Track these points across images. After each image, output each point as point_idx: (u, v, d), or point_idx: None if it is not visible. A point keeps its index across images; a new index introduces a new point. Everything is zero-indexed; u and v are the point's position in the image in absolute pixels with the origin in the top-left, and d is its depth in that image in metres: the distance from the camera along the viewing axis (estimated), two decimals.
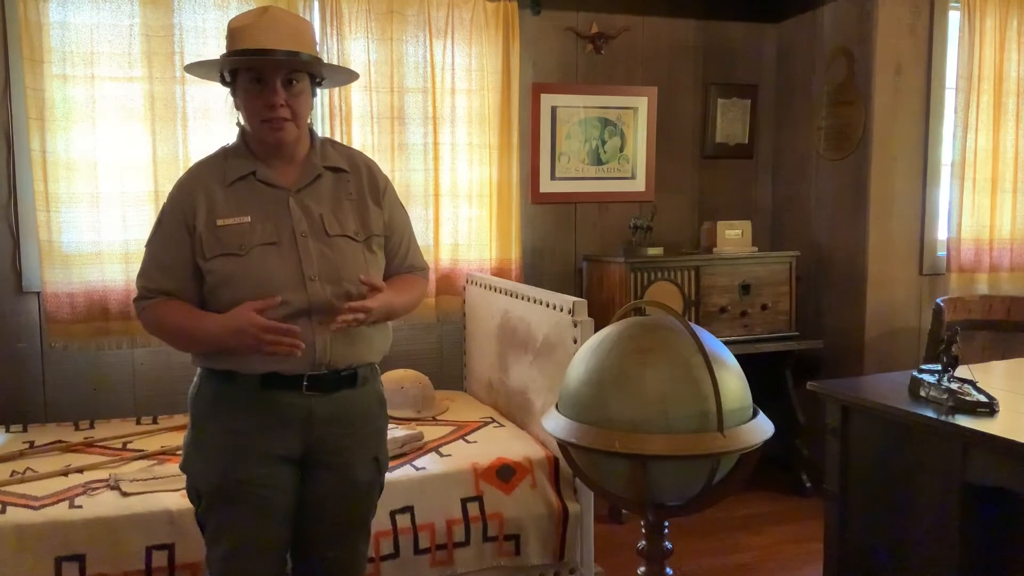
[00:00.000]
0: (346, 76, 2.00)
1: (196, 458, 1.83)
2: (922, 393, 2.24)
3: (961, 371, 2.29)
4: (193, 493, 1.85)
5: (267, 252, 1.75)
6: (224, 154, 1.86)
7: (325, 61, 1.89)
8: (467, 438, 2.93)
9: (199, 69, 1.87)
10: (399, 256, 1.97)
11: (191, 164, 3.28)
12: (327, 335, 1.77)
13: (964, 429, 2.01)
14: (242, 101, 1.79)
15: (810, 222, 4.08)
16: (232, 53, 1.76)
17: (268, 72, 1.73)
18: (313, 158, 1.86)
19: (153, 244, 1.83)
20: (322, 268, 1.77)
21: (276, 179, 1.82)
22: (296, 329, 1.69)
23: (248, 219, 1.77)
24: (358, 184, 1.91)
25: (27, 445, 2.83)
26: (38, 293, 3.23)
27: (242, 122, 1.85)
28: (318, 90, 1.90)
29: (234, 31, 1.77)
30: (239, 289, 1.73)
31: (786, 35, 4.23)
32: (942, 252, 3.91)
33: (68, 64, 3.12)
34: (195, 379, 1.87)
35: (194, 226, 1.77)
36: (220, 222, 1.76)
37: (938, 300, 3.61)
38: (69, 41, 3.11)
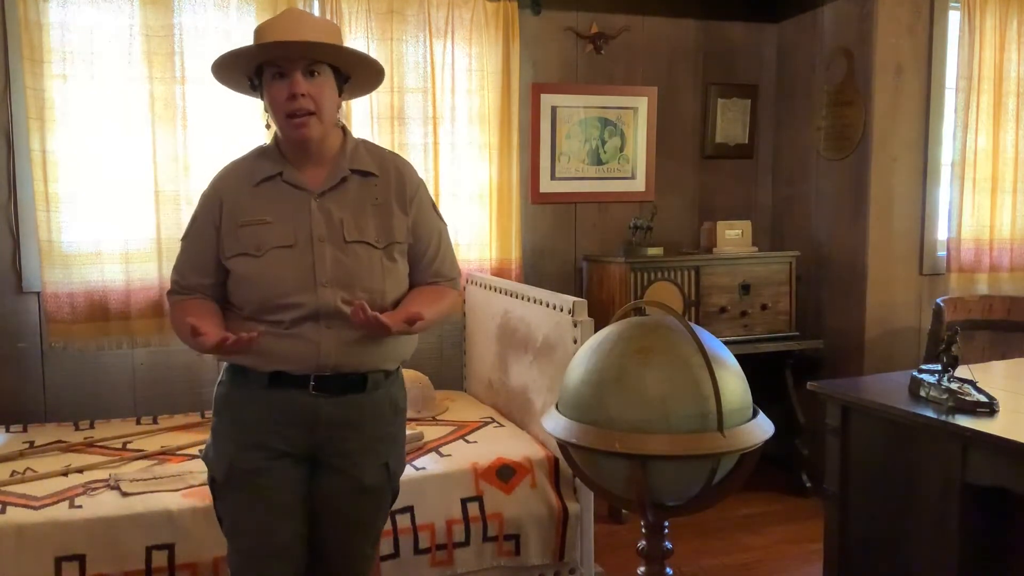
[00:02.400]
0: (368, 68, 1.89)
1: (212, 448, 1.88)
2: (922, 393, 2.24)
3: (961, 371, 2.29)
4: (212, 483, 1.88)
5: (281, 255, 1.77)
6: (256, 154, 1.89)
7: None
8: (467, 438, 2.93)
9: (227, 77, 1.85)
10: (424, 263, 1.92)
11: (191, 164, 3.29)
12: (332, 340, 1.77)
13: (964, 429, 2.01)
14: (268, 100, 1.79)
15: (810, 222, 4.08)
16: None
17: (288, 64, 1.74)
18: (341, 160, 1.85)
19: (187, 240, 1.88)
20: (335, 274, 1.77)
21: (302, 181, 1.82)
22: (250, 335, 1.67)
23: (268, 220, 1.79)
24: (385, 189, 1.87)
25: (27, 445, 2.83)
26: (38, 293, 3.23)
27: (272, 125, 1.84)
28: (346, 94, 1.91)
29: (257, 31, 1.79)
30: (252, 289, 1.78)
31: (786, 35, 4.23)
32: (942, 252, 3.91)
33: (68, 64, 3.11)
34: (220, 372, 1.92)
35: (220, 225, 1.81)
36: (242, 222, 1.80)
37: (938, 300, 3.61)
38: (69, 41, 3.11)
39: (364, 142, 1.94)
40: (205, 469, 1.89)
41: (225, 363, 1.89)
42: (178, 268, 1.89)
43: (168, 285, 1.93)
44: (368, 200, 1.85)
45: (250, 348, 1.69)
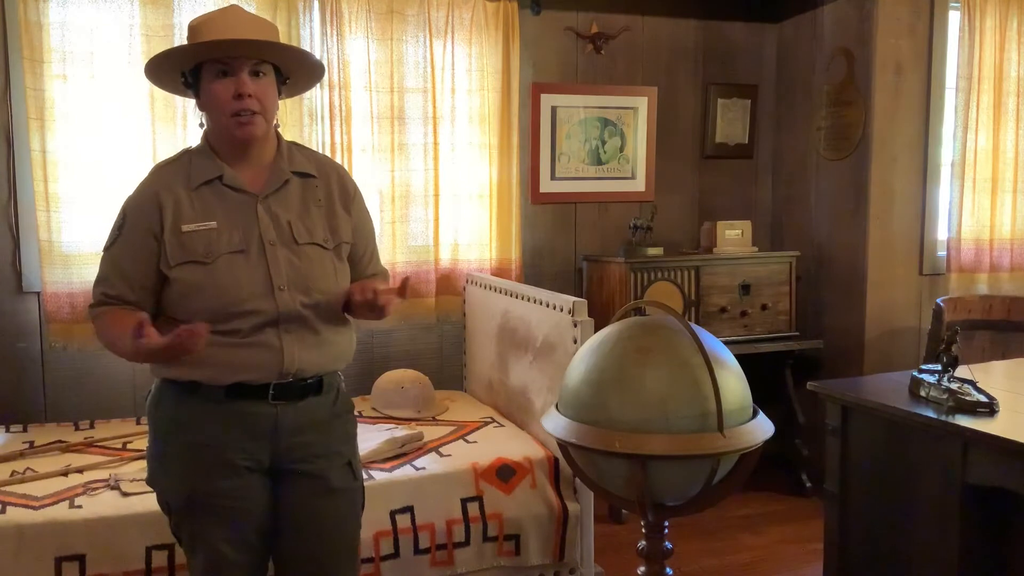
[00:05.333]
0: (309, 70, 1.89)
1: (162, 473, 1.79)
2: (922, 393, 2.23)
3: (961, 371, 2.29)
4: (164, 507, 1.81)
5: (234, 260, 1.70)
6: (188, 157, 1.80)
7: (316, 62, 1.88)
8: (467, 438, 2.93)
9: (158, 71, 1.79)
10: (364, 261, 1.94)
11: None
12: (295, 345, 1.74)
13: (964, 429, 2.01)
14: (207, 98, 1.73)
15: (810, 222, 4.08)
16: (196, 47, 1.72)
17: (234, 62, 1.69)
18: (280, 162, 1.82)
19: (114, 249, 1.75)
20: (291, 277, 1.74)
21: (243, 184, 1.76)
22: (198, 325, 1.58)
23: (214, 225, 1.71)
24: (327, 190, 1.86)
25: (27, 445, 2.83)
26: (38, 293, 3.23)
27: (206, 124, 1.79)
28: (303, 96, 1.88)
29: (196, 27, 1.73)
30: (204, 298, 1.69)
31: (786, 35, 4.23)
32: (942, 252, 3.91)
33: (68, 64, 3.12)
34: (153, 389, 1.81)
35: (160, 232, 1.71)
36: (185, 228, 1.71)
37: (938, 300, 3.61)
38: (69, 41, 3.11)
39: (296, 145, 1.92)
40: None
41: (161, 379, 1.78)
42: (104, 280, 1.75)
43: None
44: (311, 201, 1.83)
45: (197, 347, 1.58)
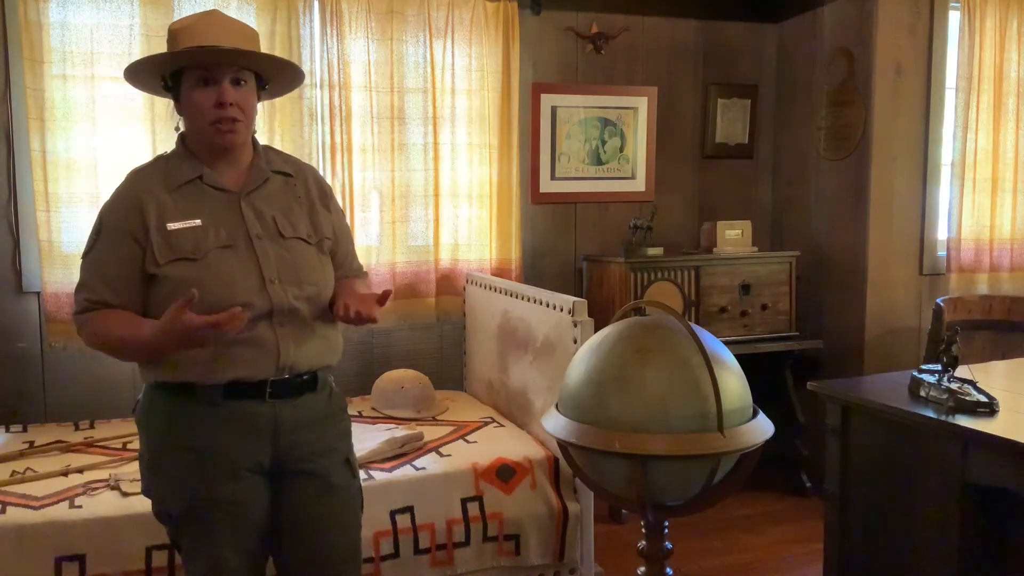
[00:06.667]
0: (291, 77, 1.91)
1: (159, 482, 1.77)
2: (922, 393, 2.24)
3: (961, 371, 2.29)
4: (163, 517, 1.78)
5: (224, 255, 1.71)
6: (165, 160, 1.81)
7: (301, 66, 1.90)
8: (467, 438, 2.93)
9: (139, 75, 1.79)
10: (347, 260, 1.97)
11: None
12: (289, 338, 1.74)
13: (964, 429, 2.01)
14: (188, 104, 1.74)
15: (810, 222, 4.08)
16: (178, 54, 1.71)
17: (216, 70, 1.69)
18: (259, 162, 1.83)
19: (93, 255, 1.74)
20: (281, 270, 1.75)
21: (224, 182, 1.77)
22: (236, 309, 1.58)
23: (199, 223, 1.71)
24: (305, 188, 1.88)
25: (27, 445, 2.83)
26: (38, 293, 3.23)
27: (182, 127, 1.80)
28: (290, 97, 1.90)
29: (176, 32, 1.73)
30: (199, 294, 1.67)
31: (786, 35, 4.23)
32: (942, 252, 3.91)
33: (68, 64, 3.12)
34: (142, 396, 1.80)
35: (144, 233, 1.70)
36: (171, 226, 1.70)
37: (938, 300, 3.61)
38: (69, 41, 3.11)
39: (271, 148, 1.94)
40: None
41: (150, 384, 1.76)
42: (87, 285, 1.73)
43: None
44: (292, 198, 1.85)
45: (235, 330, 1.58)
